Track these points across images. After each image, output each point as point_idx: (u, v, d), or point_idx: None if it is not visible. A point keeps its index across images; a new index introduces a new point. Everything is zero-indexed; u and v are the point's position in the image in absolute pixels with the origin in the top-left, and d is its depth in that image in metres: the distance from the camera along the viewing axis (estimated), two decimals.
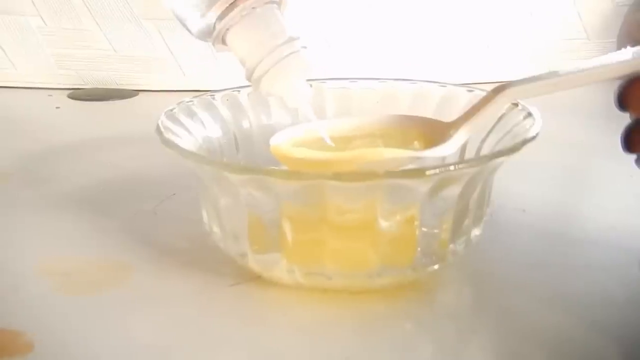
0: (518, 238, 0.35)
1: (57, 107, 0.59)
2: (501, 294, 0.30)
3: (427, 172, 0.26)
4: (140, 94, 0.63)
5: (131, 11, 0.61)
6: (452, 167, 0.26)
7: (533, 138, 0.29)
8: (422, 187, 0.27)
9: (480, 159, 0.30)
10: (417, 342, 0.27)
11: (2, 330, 0.28)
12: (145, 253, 0.33)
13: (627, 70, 0.28)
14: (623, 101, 0.28)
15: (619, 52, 0.29)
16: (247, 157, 0.37)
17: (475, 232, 0.31)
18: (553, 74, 0.30)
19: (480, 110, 0.31)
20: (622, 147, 0.28)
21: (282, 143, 0.32)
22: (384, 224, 0.28)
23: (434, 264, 0.30)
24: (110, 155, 0.47)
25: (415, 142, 0.32)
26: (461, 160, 0.33)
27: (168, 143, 0.30)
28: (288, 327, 0.28)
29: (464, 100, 0.35)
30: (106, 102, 0.61)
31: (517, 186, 0.39)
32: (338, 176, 0.26)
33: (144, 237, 0.35)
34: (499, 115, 0.33)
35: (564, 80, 0.29)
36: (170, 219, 0.37)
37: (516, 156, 0.28)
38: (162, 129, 0.31)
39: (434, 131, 0.32)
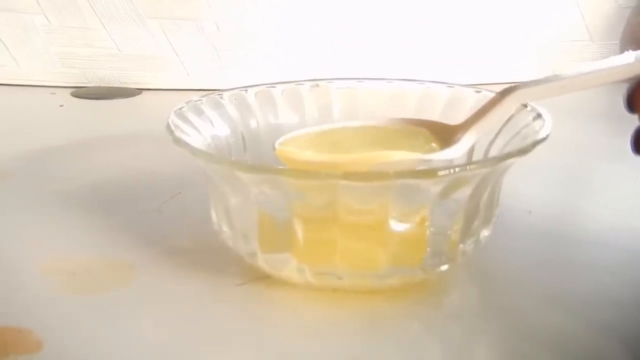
0: (524, 239, 0.35)
1: (60, 105, 0.59)
2: (507, 294, 0.30)
3: (439, 173, 0.26)
4: (144, 92, 0.63)
5: (135, 10, 0.61)
6: (464, 168, 0.26)
7: (544, 139, 0.29)
8: (433, 187, 0.27)
9: (492, 160, 0.29)
10: (425, 342, 0.27)
11: (12, 329, 0.28)
12: (151, 252, 0.33)
13: (633, 72, 0.28)
14: (632, 103, 0.28)
15: (622, 55, 0.29)
16: (254, 156, 0.36)
17: (485, 232, 0.31)
18: (560, 77, 0.29)
19: (488, 113, 0.31)
20: (632, 149, 0.28)
21: (288, 146, 0.32)
22: (394, 224, 0.28)
23: (444, 265, 0.30)
24: (114, 154, 0.47)
25: (432, 144, 0.32)
26: (472, 161, 0.33)
27: (179, 142, 0.30)
28: (296, 327, 0.28)
29: (471, 100, 0.35)
30: (110, 101, 0.61)
31: (523, 188, 0.39)
32: (350, 176, 0.26)
33: (150, 236, 0.35)
34: (508, 116, 0.33)
35: (571, 82, 0.29)
36: (176, 218, 0.37)
37: (524, 157, 0.28)
38: (173, 127, 0.31)
39: (441, 134, 0.32)
